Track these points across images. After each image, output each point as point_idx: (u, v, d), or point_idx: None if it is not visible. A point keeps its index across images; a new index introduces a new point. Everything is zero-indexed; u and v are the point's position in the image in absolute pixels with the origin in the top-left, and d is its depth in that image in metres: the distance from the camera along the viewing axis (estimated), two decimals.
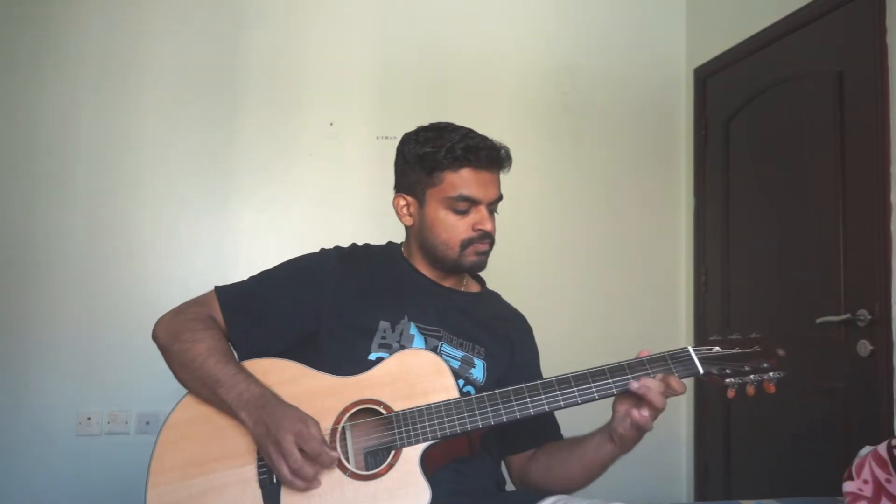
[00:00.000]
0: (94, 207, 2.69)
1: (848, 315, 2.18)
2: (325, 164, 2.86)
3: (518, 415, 1.20)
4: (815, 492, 1.71)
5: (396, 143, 1.45)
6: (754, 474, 2.62)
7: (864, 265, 2.16)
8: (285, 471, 1.14)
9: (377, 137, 2.89)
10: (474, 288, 1.51)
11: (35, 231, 2.65)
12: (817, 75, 2.41)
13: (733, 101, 2.85)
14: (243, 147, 2.82)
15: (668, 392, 1.18)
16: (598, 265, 3.03)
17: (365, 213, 2.84)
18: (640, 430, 1.20)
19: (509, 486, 1.45)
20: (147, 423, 2.65)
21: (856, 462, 1.38)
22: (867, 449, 1.40)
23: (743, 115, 2.81)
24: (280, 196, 2.83)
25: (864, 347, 2.12)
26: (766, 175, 2.67)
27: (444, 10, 3.01)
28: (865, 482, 1.34)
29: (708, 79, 3.03)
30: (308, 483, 1.15)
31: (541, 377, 1.47)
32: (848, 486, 1.36)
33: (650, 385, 1.16)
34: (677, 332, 3.11)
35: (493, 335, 1.43)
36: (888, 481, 1.31)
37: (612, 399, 1.22)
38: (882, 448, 1.36)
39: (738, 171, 2.84)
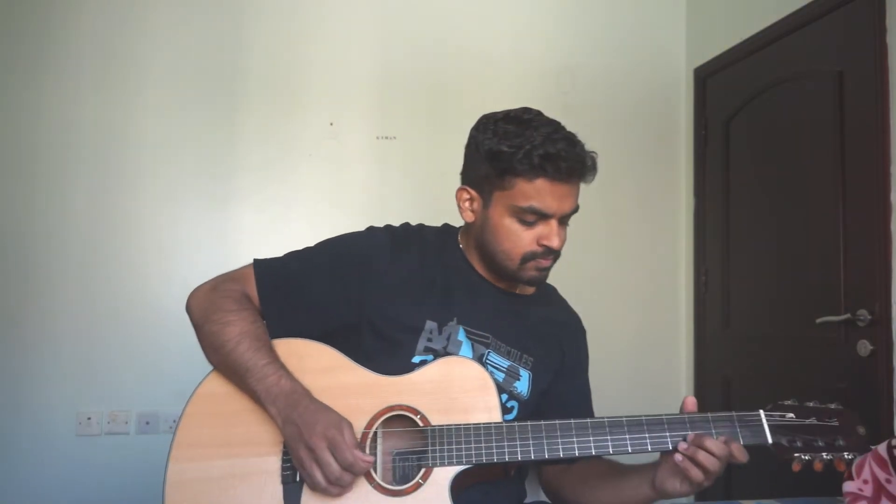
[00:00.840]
0: (94, 207, 2.69)
1: (848, 315, 2.18)
2: (325, 164, 2.86)
3: (561, 454, 1.12)
4: (815, 492, 1.71)
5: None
6: (754, 474, 2.61)
7: (864, 265, 2.16)
8: (319, 478, 1.09)
9: (377, 137, 2.89)
10: (530, 288, 1.40)
11: (35, 231, 2.65)
12: (817, 75, 2.41)
13: (733, 101, 2.85)
14: (243, 147, 2.82)
15: (731, 460, 1.09)
16: (598, 265, 3.03)
17: (365, 213, 2.83)
18: (691, 490, 1.12)
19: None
20: (147, 423, 2.65)
21: (856, 462, 1.38)
22: None
23: (743, 115, 2.81)
24: (280, 196, 2.83)
25: (864, 347, 2.12)
26: (766, 175, 2.67)
27: (444, 11, 3.01)
28: (865, 482, 1.34)
29: (708, 79, 3.03)
30: (341, 491, 1.11)
31: (587, 383, 1.42)
32: (848, 486, 1.36)
33: (715, 450, 1.08)
34: (677, 332, 3.11)
35: (544, 342, 1.36)
36: (888, 481, 1.31)
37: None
38: (882, 448, 1.36)
39: (738, 171, 2.84)
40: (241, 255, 2.71)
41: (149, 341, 2.64)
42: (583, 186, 1.32)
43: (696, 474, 1.09)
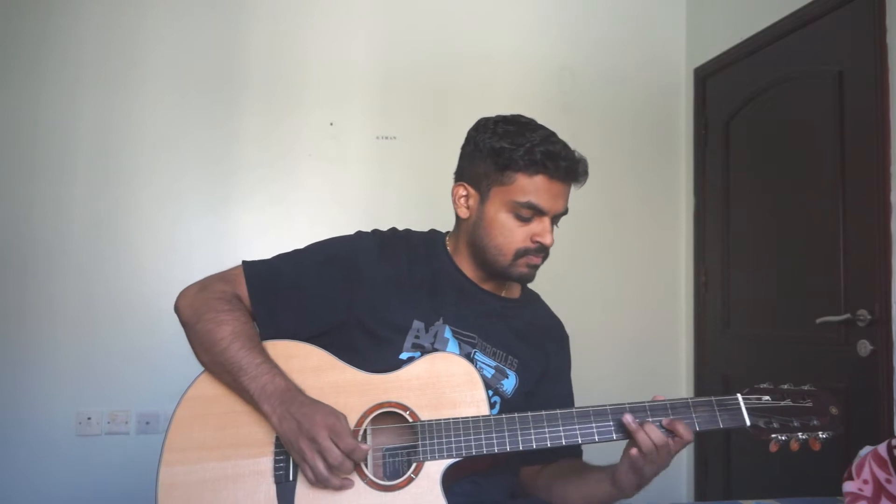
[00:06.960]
0: (93, 207, 2.69)
1: (848, 315, 2.18)
2: (325, 164, 2.86)
3: (549, 443, 1.16)
4: (815, 492, 1.71)
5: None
6: (754, 474, 2.61)
7: (864, 265, 2.16)
8: (322, 468, 1.10)
9: (377, 137, 2.89)
10: (515, 292, 1.44)
11: (35, 231, 2.64)
12: (817, 75, 2.41)
13: (733, 101, 2.85)
14: (243, 147, 2.82)
15: (675, 443, 1.14)
16: (598, 265, 3.04)
17: (365, 213, 2.84)
18: (636, 477, 1.16)
19: None
20: (147, 423, 2.65)
21: (856, 462, 1.39)
22: (867, 449, 1.40)
23: (743, 115, 2.81)
24: (280, 196, 2.83)
25: (864, 347, 2.12)
26: (766, 175, 2.67)
27: (445, 11, 3.01)
28: (865, 482, 1.34)
29: (708, 79, 3.03)
30: (343, 481, 1.12)
31: (569, 387, 1.44)
32: (848, 486, 1.36)
33: (650, 433, 1.14)
34: (677, 332, 3.11)
35: (529, 345, 1.38)
36: (888, 481, 1.31)
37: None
38: (882, 448, 1.36)
39: (738, 171, 2.84)
40: (241, 254, 2.70)
41: (149, 341, 2.64)
42: (584, 187, 1.34)
43: (636, 460, 1.14)
